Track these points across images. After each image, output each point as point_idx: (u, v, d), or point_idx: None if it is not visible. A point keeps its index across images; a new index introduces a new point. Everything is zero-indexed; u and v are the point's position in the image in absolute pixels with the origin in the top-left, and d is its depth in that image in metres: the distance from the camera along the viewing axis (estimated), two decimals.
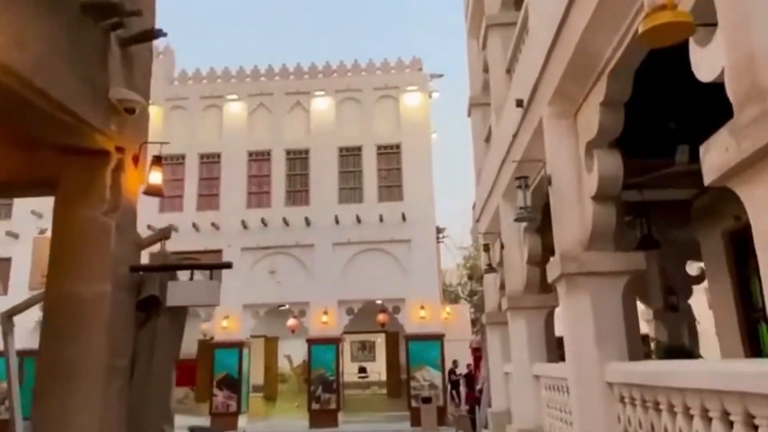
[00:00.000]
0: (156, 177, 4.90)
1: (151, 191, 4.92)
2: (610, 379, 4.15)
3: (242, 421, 17.91)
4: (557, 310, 7.85)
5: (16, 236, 18.99)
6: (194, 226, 18.93)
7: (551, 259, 4.86)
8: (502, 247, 8.00)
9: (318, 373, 17.89)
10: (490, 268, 8.10)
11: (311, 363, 18.16)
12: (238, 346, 18.29)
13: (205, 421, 17.11)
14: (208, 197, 19.66)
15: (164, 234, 5.71)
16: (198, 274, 5.11)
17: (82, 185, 4.33)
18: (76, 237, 4.29)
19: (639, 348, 5.11)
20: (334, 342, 18.15)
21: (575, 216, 4.63)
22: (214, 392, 17.94)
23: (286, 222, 18.95)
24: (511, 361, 7.78)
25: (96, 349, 4.14)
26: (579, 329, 4.46)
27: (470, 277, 29.30)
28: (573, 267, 4.45)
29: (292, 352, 22.74)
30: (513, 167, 7.18)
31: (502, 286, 9.44)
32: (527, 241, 7.20)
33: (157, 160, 4.91)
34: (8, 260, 19.07)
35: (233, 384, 17.94)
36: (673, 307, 9.13)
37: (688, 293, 9.51)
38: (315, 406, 17.68)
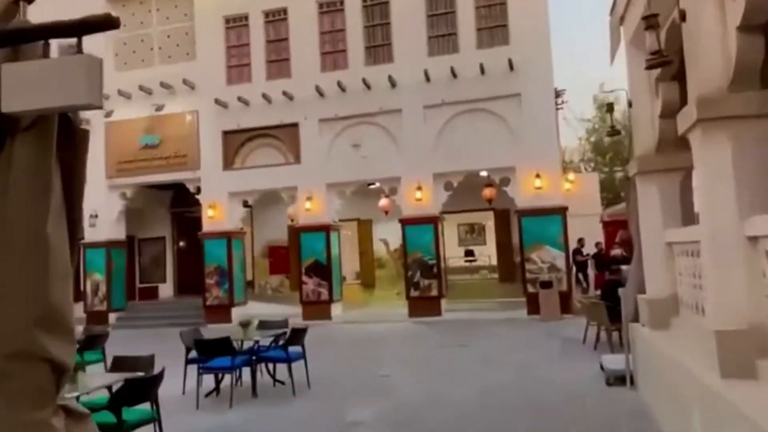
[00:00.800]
0: None
1: None
2: None
3: (336, 309, 16.30)
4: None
5: (86, 122, 17.71)
6: (265, 97, 16.47)
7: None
8: (683, 18, 4.38)
9: (415, 257, 15.47)
10: (659, 57, 4.43)
11: (406, 246, 15.72)
12: (324, 229, 16.24)
13: (296, 310, 15.67)
14: (278, 63, 16.90)
15: None
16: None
17: None
18: None
19: None
20: (431, 222, 15.44)
21: None
22: (304, 280, 16.29)
23: (366, 84, 15.84)
24: (699, 220, 4.46)
25: None
26: None
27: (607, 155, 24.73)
28: None
29: (389, 236, 20.56)
30: None
31: (664, 112, 5.96)
32: None
33: None
34: None
35: (322, 270, 16.14)
36: None
37: None
38: (414, 293, 15.46)
